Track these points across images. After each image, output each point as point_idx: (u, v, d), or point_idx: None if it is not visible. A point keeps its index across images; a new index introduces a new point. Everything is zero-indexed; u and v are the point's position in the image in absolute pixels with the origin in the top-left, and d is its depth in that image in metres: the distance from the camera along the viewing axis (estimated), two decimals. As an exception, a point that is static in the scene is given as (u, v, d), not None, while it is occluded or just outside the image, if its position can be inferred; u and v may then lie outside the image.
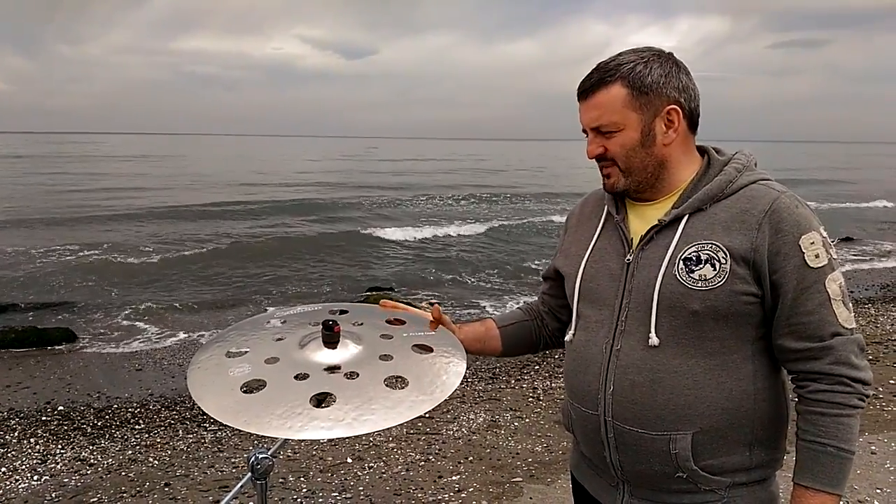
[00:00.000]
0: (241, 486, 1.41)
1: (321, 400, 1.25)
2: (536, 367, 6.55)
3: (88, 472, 4.31)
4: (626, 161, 1.37)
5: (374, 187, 31.70)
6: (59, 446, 4.82)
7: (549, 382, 6.02)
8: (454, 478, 4.07)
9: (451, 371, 1.36)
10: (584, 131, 1.42)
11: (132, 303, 9.99)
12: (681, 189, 1.39)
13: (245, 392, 1.27)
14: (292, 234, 17.40)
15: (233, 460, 4.43)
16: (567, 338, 1.52)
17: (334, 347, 1.40)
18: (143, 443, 4.87)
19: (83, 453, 4.66)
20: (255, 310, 9.79)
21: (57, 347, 7.81)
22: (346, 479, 4.06)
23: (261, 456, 1.40)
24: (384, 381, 1.29)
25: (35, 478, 4.24)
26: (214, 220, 19.31)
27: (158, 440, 4.91)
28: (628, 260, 1.40)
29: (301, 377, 1.30)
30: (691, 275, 1.30)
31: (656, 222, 1.37)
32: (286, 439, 1.28)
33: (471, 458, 4.37)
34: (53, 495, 3.97)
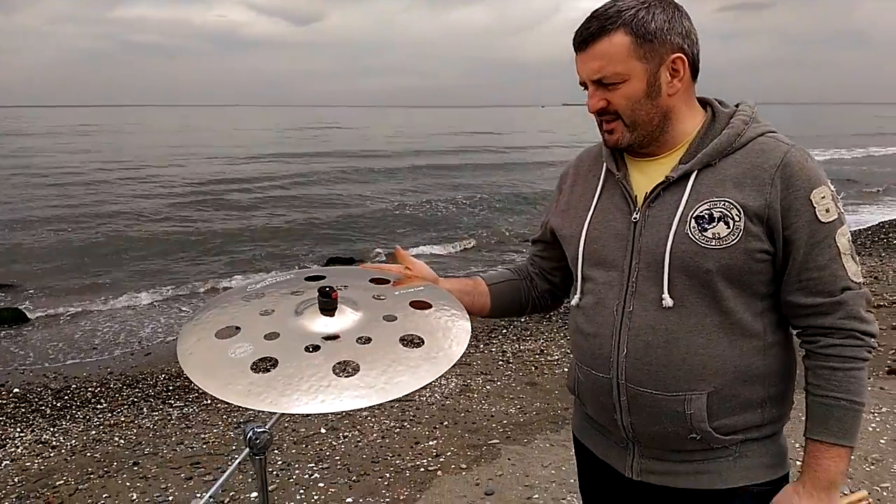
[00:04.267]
0: (240, 462, 1.35)
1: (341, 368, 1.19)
2: (504, 331, 6.58)
3: (51, 455, 4.16)
4: (632, 114, 1.30)
5: (334, 156, 31.14)
6: (18, 429, 4.65)
7: (517, 345, 6.05)
8: (431, 443, 4.07)
9: (457, 325, 1.33)
10: (583, 84, 1.33)
11: (84, 281, 9.66)
12: (686, 143, 1.33)
13: (257, 372, 1.19)
14: (251, 205, 17.07)
15: (203, 436, 4.34)
16: (573, 302, 1.46)
17: (332, 315, 1.33)
18: (107, 422, 4.72)
19: (44, 436, 4.50)
20: (206, 282, 9.61)
21: (7, 329, 7.52)
22: (321, 450, 4.02)
23: (258, 430, 1.33)
24: (399, 341, 1.24)
25: (-5, 463, 4.09)
26: (162, 195, 18.76)
27: (122, 419, 4.78)
28: (635, 219, 1.34)
29: (312, 349, 1.23)
30: (704, 233, 1.26)
31: (663, 179, 1.31)
32: (281, 413, 1.20)
33: (446, 422, 4.37)
34: (16, 480, 3.83)
